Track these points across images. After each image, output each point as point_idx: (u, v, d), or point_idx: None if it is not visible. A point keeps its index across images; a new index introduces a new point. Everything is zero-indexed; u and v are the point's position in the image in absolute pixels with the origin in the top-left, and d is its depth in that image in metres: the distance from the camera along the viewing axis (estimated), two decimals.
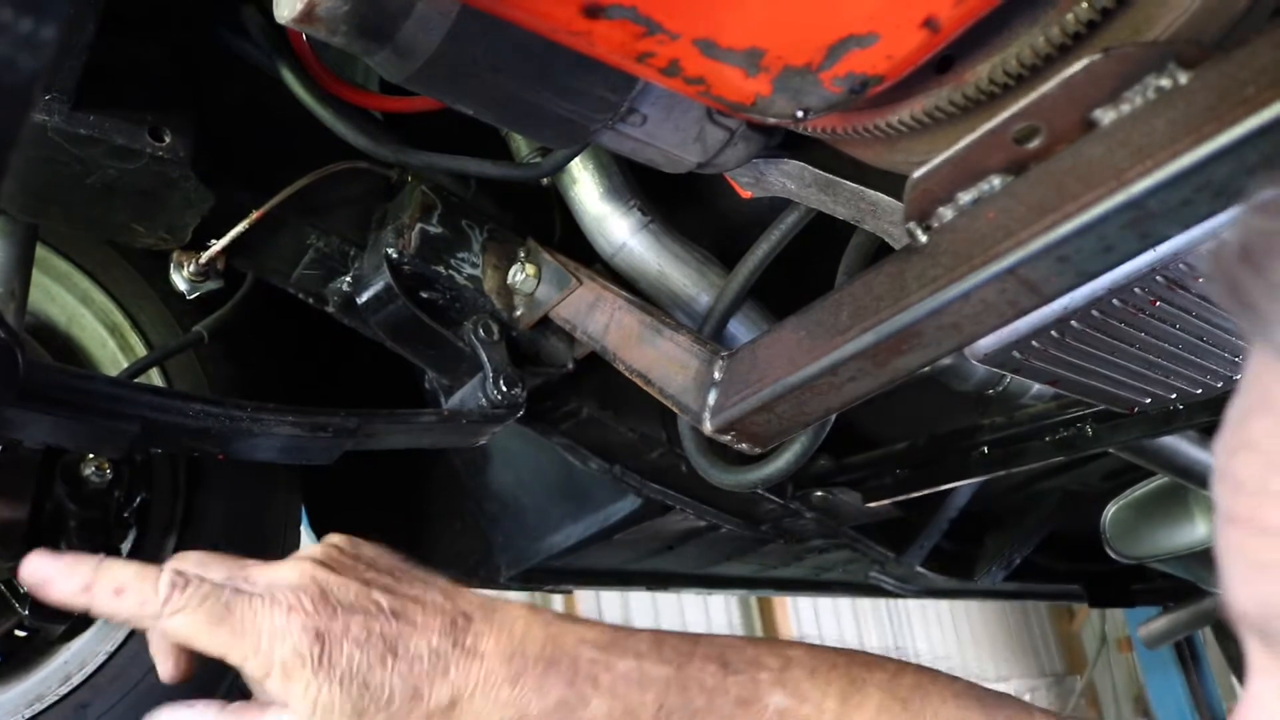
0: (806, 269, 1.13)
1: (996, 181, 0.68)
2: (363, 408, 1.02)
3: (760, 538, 1.71)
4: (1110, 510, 2.14)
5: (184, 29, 1.00)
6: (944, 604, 7.91)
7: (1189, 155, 0.59)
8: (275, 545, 1.35)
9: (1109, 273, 0.82)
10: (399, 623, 0.67)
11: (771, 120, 0.68)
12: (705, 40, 0.60)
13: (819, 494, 1.63)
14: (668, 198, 1.12)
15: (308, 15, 0.66)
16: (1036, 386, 1.38)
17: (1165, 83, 0.61)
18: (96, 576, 0.67)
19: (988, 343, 0.92)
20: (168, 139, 0.91)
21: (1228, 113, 0.58)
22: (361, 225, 1.07)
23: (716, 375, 0.84)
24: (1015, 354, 0.97)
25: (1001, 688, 0.88)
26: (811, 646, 0.73)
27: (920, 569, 2.06)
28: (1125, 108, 0.62)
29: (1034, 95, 0.64)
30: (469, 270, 1.06)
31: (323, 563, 0.69)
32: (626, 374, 0.95)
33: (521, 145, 1.07)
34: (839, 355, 0.74)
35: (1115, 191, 0.61)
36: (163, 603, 0.66)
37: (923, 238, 0.71)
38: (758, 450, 0.85)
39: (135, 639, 1.24)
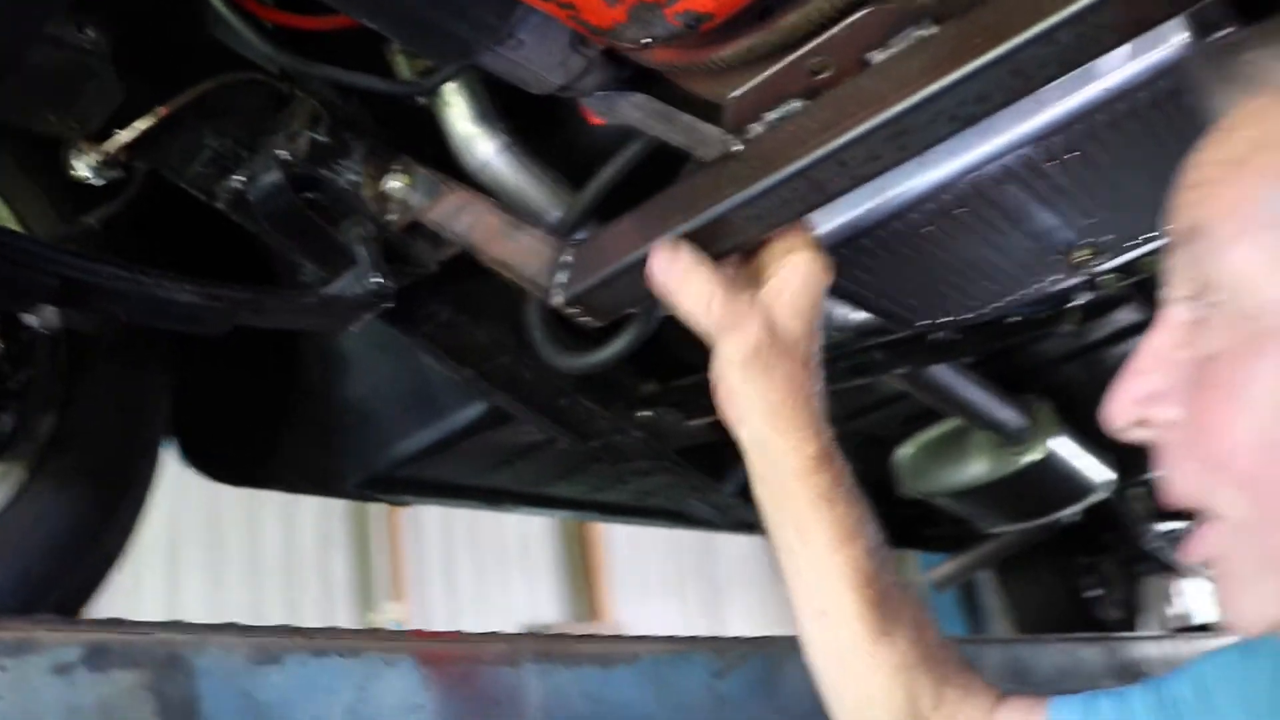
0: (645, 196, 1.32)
1: (796, 104, 0.88)
2: None
3: (591, 454, 1.89)
4: (901, 452, 2.42)
5: None
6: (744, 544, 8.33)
7: (934, 86, 0.79)
8: (148, 430, 1.46)
9: (891, 198, 1.04)
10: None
11: (624, 45, 0.86)
12: None
13: (646, 414, 1.83)
14: (528, 128, 1.29)
15: None
16: (835, 314, 1.60)
17: (922, 33, 0.82)
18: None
19: None
20: (90, 33, 1.02)
21: (961, 57, 0.79)
22: (254, 131, 1.20)
23: (567, 259, 1.01)
24: None
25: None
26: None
27: (734, 499, 2.28)
28: (892, 50, 0.83)
29: (824, 37, 0.84)
30: (350, 176, 1.21)
31: None
32: (489, 264, 1.11)
33: (403, 69, 1.22)
34: (667, 239, 0.93)
35: (880, 112, 0.81)
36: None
37: (736, 147, 0.90)
38: (598, 324, 1.03)
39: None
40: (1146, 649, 2.55)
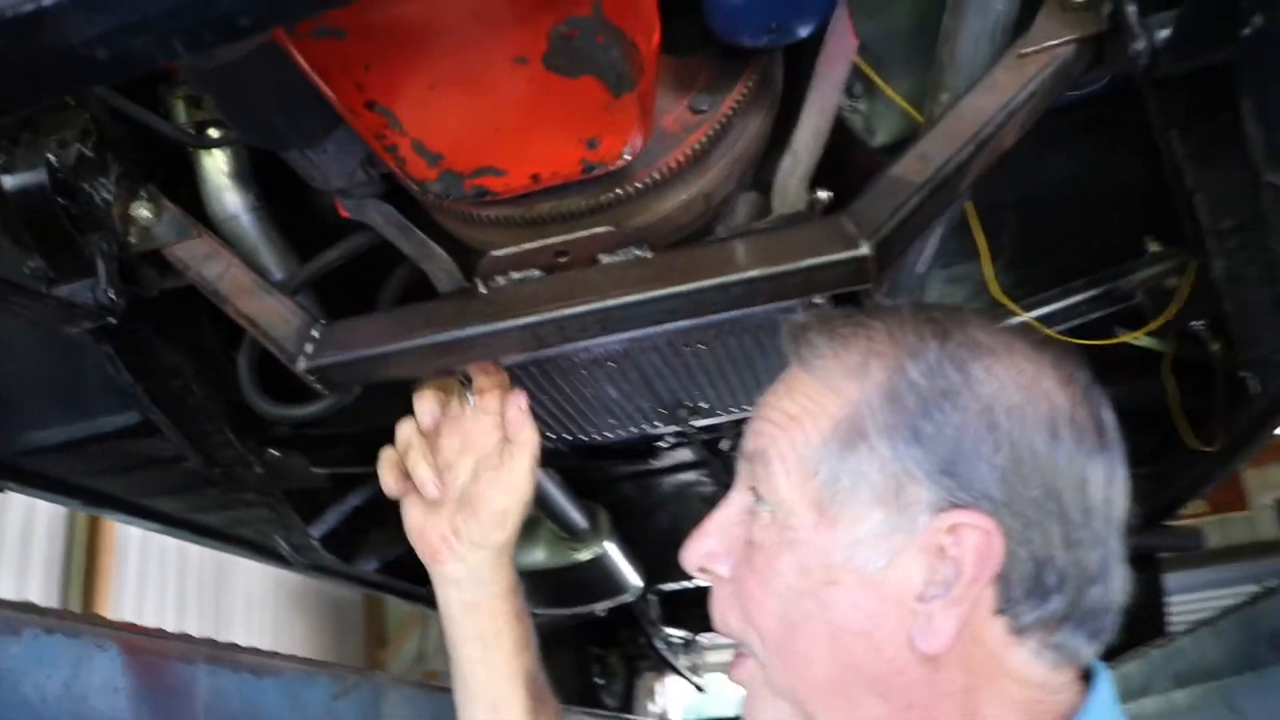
0: (358, 284, 1.52)
1: (536, 273, 1.15)
2: None
3: (209, 478, 1.99)
4: None
5: None
6: (269, 590, 8.21)
7: (640, 295, 1.09)
8: None
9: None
10: None
11: (428, 194, 1.09)
12: (418, 141, 1.00)
13: (274, 452, 1.97)
14: (276, 189, 1.45)
15: None
16: None
17: (640, 253, 1.12)
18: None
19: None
20: None
21: (664, 281, 1.10)
22: (18, 126, 1.27)
23: (315, 334, 1.20)
24: None
25: None
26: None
27: (316, 542, 2.43)
28: (617, 258, 1.13)
29: (572, 236, 1.13)
30: (104, 194, 1.31)
31: None
32: (234, 316, 1.26)
33: (180, 113, 1.35)
34: (408, 345, 1.15)
35: (598, 301, 1.10)
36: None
37: (484, 290, 1.16)
38: (327, 391, 1.23)
39: None
40: None
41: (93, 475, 1.98)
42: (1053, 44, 1.07)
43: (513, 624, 1.14)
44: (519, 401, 1.17)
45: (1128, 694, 2.90)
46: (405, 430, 1.17)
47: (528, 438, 1.15)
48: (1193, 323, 1.78)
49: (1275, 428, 2.16)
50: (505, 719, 1.12)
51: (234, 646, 1.15)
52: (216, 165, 1.39)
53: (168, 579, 7.63)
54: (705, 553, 0.90)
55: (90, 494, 2.06)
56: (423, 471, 1.14)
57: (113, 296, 1.29)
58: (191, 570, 7.79)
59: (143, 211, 1.34)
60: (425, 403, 1.16)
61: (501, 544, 1.14)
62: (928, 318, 0.85)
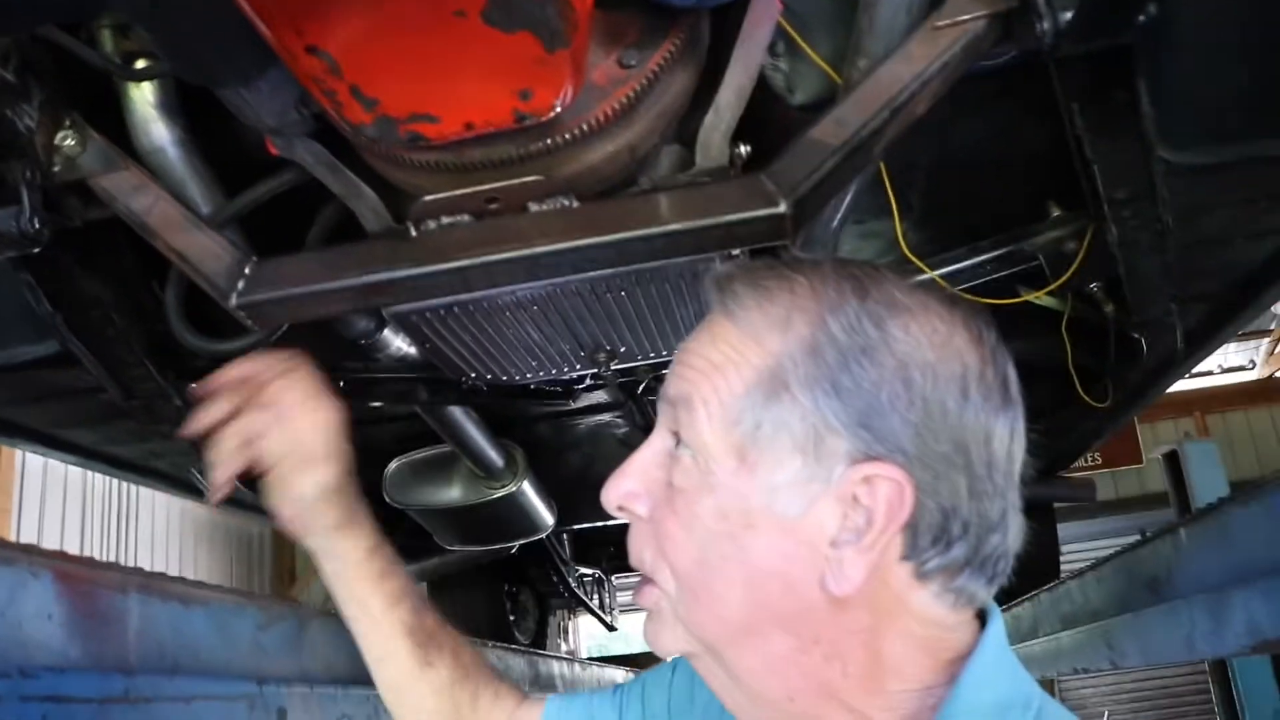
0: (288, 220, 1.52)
1: (466, 218, 1.18)
2: None
3: (127, 410, 1.98)
4: (392, 465, 2.71)
5: None
6: (175, 523, 8.15)
7: (567, 244, 1.14)
8: None
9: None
10: None
11: (364, 137, 1.11)
12: (356, 86, 1.02)
13: (194, 386, 1.97)
14: (203, 118, 1.44)
15: None
16: (394, 346, 1.88)
17: (566, 203, 1.16)
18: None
19: (404, 308, 1.40)
20: None
21: (589, 230, 1.14)
22: None
23: (247, 270, 1.22)
24: (413, 318, 1.46)
25: None
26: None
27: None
28: (545, 206, 1.16)
29: (501, 184, 1.16)
30: (27, 121, 1.30)
31: None
32: (164, 251, 1.27)
33: (108, 41, 1.34)
34: (340, 284, 1.18)
35: (526, 247, 1.14)
36: None
37: (414, 233, 1.19)
38: (257, 327, 1.25)
39: None
40: (555, 666, 3.07)
41: (6, 405, 1.97)
42: (965, 19, 1.13)
43: (378, 586, 1.17)
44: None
45: (1019, 635, 3.07)
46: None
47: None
48: (1089, 284, 1.88)
49: (1163, 386, 2.30)
50: (395, 669, 1.18)
51: (164, 576, 1.18)
52: (144, 96, 1.38)
53: (69, 511, 7.50)
54: (625, 492, 0.93)
55: (3, 424, 2.05)
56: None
57: (37, 225, 1.29)
58: (95, 503, 7.67)
59: (68, 141, 1.34)
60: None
61: (324, 527, 1.15)
62: (848, 274, 0.87)
